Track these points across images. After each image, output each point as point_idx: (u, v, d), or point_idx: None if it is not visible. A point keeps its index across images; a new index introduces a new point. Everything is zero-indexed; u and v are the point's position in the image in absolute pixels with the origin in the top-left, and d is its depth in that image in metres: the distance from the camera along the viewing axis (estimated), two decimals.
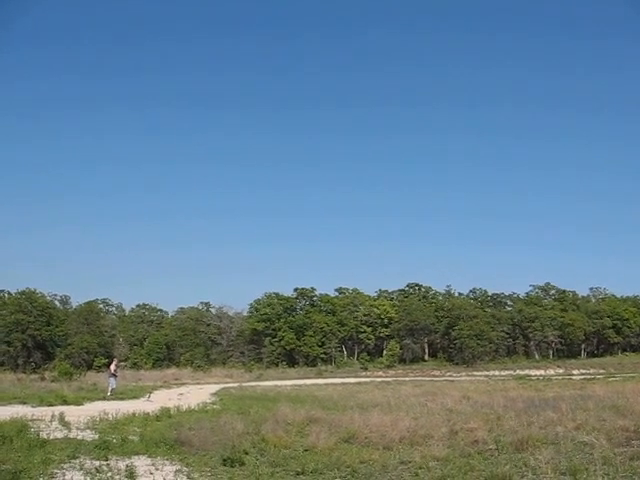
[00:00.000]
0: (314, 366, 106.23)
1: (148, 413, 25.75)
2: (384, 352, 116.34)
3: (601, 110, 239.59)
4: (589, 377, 74.13)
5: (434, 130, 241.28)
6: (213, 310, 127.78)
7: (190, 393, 47.20)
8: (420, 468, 14.07)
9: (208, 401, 36.33)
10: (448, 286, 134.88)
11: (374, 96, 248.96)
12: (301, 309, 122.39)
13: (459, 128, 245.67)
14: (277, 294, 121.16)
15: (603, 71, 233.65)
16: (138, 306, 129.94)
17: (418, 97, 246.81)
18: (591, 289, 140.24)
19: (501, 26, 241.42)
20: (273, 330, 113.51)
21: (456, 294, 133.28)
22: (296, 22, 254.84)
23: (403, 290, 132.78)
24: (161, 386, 58.19)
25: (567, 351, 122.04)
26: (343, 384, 61.25)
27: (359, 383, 64.47)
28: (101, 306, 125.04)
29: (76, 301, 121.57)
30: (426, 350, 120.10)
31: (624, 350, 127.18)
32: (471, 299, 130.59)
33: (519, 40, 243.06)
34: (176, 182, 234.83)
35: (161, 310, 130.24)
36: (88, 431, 20.72)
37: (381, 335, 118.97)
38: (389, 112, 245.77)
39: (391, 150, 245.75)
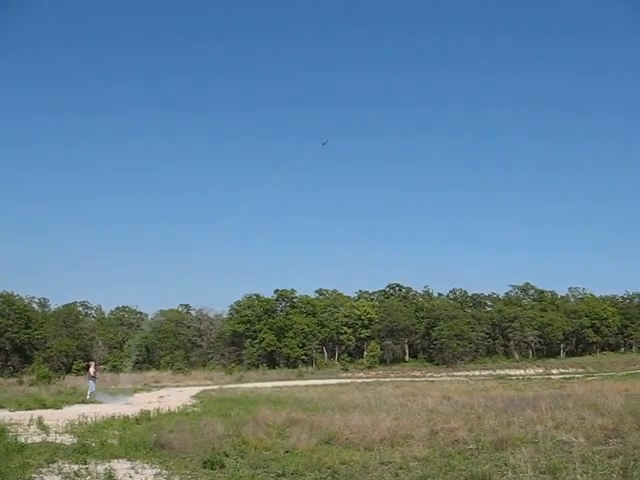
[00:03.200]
0: (295, 367, 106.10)
1: (128, 416, 25.57)
2: (365, 353, 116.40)
3: (583, 109, 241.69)
4: (568, 376, 74.87)
5: (412, 131, 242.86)
6: (193, 312, 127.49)
7: (170, 396, 46.95)
8: (401, 468, 14.08)
9: (188, 404, 36.17)
10: (428, 287, 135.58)
11: (352, 98, 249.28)
12: (281, 311, 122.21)
13: (439, 129, 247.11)
14: (257, 296, 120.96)
15: (592, 71, 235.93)
16: (117, 308, 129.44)
17: (393, 99, 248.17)
18: (570, 289, 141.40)
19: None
20: (253, 332, 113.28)
21: (436, 295, 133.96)
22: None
23: (383, 291, 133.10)
24: (141, 389, 57.73)
25: (546, 351, 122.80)
26: (324, 385, 61.28)
27: (340, 384, 64.45)
28: (80, 309, 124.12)
29: (55, 304, 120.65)
30: (406, 351, 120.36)
31: (602, 349, 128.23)
32: (451, 299, 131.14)
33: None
34: (155, 185, 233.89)
35: (141, 312, 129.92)
36: (67, 435, 20.52)
37: (361, 336, 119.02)
38: (368, 114, 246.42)
39: (370, 152, 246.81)
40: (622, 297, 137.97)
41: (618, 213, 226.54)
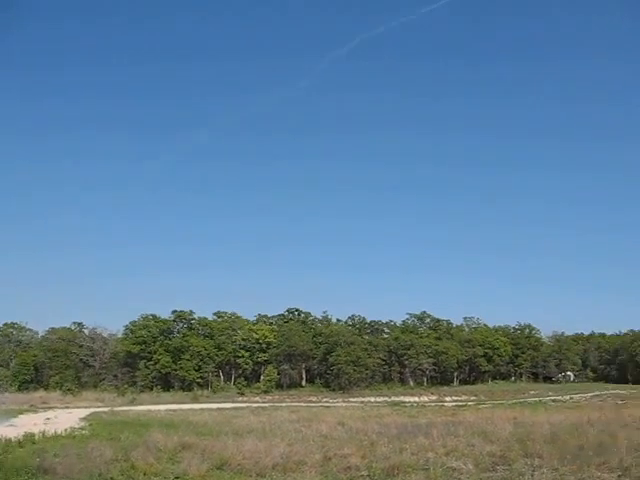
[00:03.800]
0: (190, 390, 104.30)
1: (10, 439, 24.44)
2: (261, 377, 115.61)
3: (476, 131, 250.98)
4: (461, 404, 76.37)
5: (311, 157, 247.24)
6: (86, 331, 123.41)
7: (58, 418, 45.31)
8: None
9: (77, 426, 34.96)
10: (327, 312, 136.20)
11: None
12: (178, 332, 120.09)
13: (343, 155, 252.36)
14: (154, 316, 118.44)
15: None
16: (5, 325, 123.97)
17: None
18: (465, 318, 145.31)
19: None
20: (149, 353, 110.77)
21: (335, 320, 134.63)
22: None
23: (282, 315, 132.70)
24: (27, 410, 55.57)
25: (440, 378, 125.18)
26: (219, 409, 60.57)
27: (235, 408, 63.86)
28: None
29: None
30: (303, 376, 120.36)
31: (494, 378, 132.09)
32: (349, 325, 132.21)
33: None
34: (50, 205, 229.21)
35: (30, 330, 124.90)
36: None
37: (259, 360, 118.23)
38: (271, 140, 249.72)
39: (272, 177, 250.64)
40: (514, 328, 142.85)
41: (512, 242, 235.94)
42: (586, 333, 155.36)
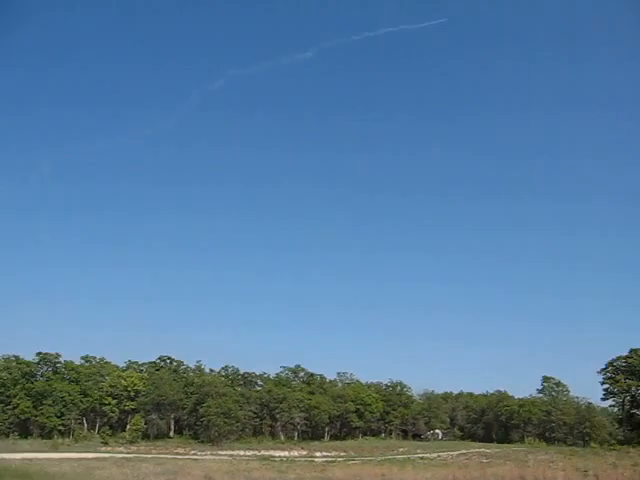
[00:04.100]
0: (50, 438, 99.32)
1: None
2: (128, 427, 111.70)
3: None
4: (330, 459, 75.98)
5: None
6: None
7: None
8: None
9: None
10: (200, 362, 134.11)
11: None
12: (42, 375, 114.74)
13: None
14: (16, 357, 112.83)
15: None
16: None
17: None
18: (338, 374, 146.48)
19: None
20: (7, 397, 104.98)
21: (208, 370, 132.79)
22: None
23: (154, 363, 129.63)
24: None
25: (312, 433, 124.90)
26: (80, 459, 57.96)
27: (98, 459, 61.21)
28: None
29: None
30: (172, 426, 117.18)
31: (365, 434, 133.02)
32: (222, 376, 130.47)
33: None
34: None
35: None
36: None
37: (126, 408, 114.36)
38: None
39: (152, 230, 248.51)
40: (386, 384, 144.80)
41: (387, 298, 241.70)
42: (455, 392, 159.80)
